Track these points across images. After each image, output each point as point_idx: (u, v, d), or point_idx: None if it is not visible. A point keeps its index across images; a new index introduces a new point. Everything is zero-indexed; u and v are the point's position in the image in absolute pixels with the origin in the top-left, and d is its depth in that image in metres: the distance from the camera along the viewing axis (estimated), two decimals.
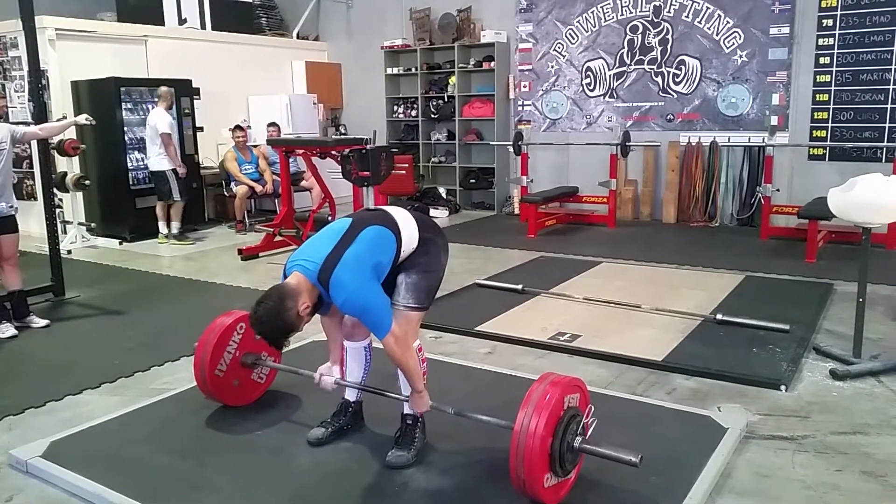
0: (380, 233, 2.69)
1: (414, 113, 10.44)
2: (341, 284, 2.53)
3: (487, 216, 9.63)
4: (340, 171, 6.57)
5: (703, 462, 2.78)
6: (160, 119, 7.65)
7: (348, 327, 3.02)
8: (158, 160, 7.72)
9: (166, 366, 4.11)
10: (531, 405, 2.40)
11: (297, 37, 11.17)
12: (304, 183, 8.72)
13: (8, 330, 4.70)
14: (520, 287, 5.43)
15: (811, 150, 7.75)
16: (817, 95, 7.66)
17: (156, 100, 8.01)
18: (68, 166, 7.43)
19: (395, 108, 10.65)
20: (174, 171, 7.74)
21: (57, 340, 4.69)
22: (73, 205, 7.73)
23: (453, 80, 9.91)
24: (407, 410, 2.91)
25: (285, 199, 7.42)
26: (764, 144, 7.54)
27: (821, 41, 7.57)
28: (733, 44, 8.07)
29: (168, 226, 7.90)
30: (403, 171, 9.25)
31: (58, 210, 6.82)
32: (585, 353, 4.15)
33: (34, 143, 6.15)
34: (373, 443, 3.03)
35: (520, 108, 9.70)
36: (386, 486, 2.72)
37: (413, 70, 10.25)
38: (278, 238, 7.14)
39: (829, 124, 7.63)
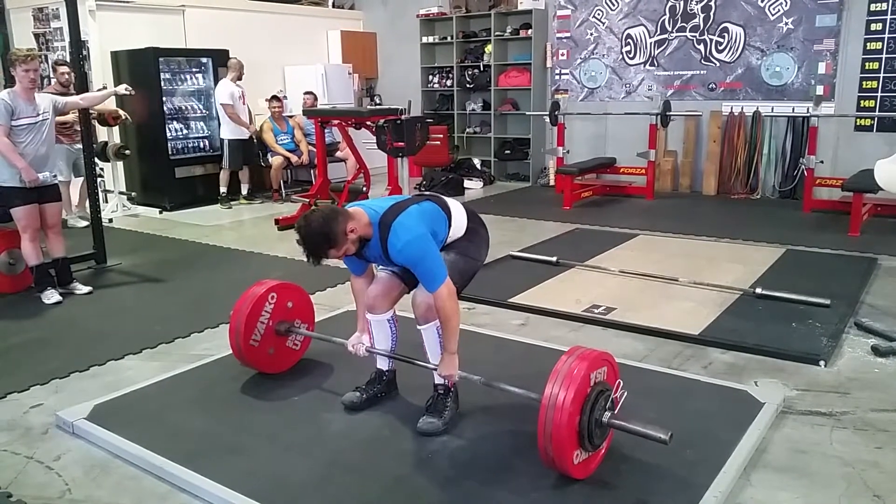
0: (436, 209, 2.85)
1: (449, 83, 10.36)
2: (405, 228, 2.66)
3: (522, 187, 9.56)
4: (375, 141, 6.57)
5: (739, 437, 2.76)
6: (219, 90, 8.10)
7: (370, 297, 3.01)
8: (222, 129, 8.24)
9: (206, 332, 4.20)
10: (557, 382, 2.36)
11: (333, 6, 11.12)
12: (338, 153, 8.75)
13: (53, 296, 4.83)
14: (554, 259, 5.40)
15: (858, 120, 7.51)
16: (867, 64, 7.40)
17: (194, 70, 8.12)
18: (109, 136, 7.55)
19: (431, 77, 10.58)
20: (231, 141, 8.17)
21: (99, 307, 4.81)
22: (113, 174, 7.87)
23: (489, 48, 9.79)
24: (438, 380, 2.93)
25: (321, 169, 7.45)
26: (808, 115, 7.33)
27: (873, 6, 7.28)
28: (778, 10, 7.81)
29: (241, 188, 8.54)
30: (438, 142, 9.21)
31: (99, 179, 6.95)
32: (620, 326, 4.12)
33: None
34: (406, 411, 3.06)
35: (557, 77, 9.56)
36: (418, 452, 2.75)
37: (449, 39, 10.15)
38: (314, 208, 7.19)
39: (879, 94, 7.38)
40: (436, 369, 2.87)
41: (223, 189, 8.29)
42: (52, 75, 7.52)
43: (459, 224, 2.92)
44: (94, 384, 3.50)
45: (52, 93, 5.47)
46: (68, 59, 7.15)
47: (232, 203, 8.32)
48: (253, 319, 3.30)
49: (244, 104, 8.30)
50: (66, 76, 6.62)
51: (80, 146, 6.66)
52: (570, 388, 2.35)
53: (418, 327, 2.90)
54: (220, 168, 8.33)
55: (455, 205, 2.96)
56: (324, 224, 2.61)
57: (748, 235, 6.25)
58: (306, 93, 8.87)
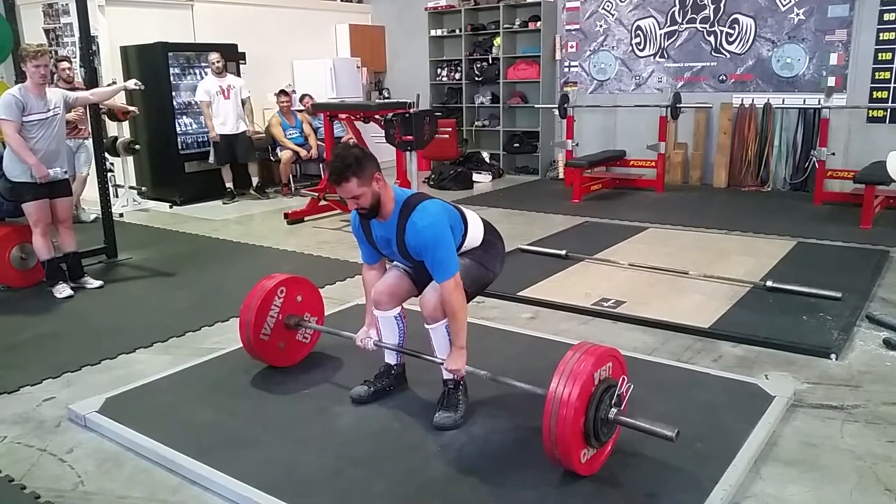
0: (455, 213, 2.89)
1: (458, 76, 10.34)
2: (429, 211, 2.72)
3: (531, 181, 9.53)
4: (384, 135, 6.56)
5: (749, 430, 2.75)
6: (198, 86, 7.93)
7: (377, 293, 3.01)
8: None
9: (216, 326, 4.21)
10: (561, 383, 2.34)
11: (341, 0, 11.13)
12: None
13: (64, 290, 4.86)
14: (563, 252, 5.39)
15: (870, 111, 7.44)
16: (880, 54, 7.33)
17: (203, 65, 8.12)
18: (118, 131, 7.58)
19: (439, 70, 10.56)
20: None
21: (110, 301, 4.84)
22: (123, 169, 7.90)
23: (498, 41, 9.76)
24: (447, 376, 2.93)
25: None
26: (820, 106, 7.27)
27: None
28: (789, 1, 7.75)
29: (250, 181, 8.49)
30: (447, 136, 9.20)
31: (109, 174, 6.98)
32: (630, 320, 4.11)
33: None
34: (416, 404, 3.07)
35: (566, 70, 9.52)
36: (428, 446, 2.76)
37: (457, 31, 10.13)
38: (323, 202, 7.20)
39: (892, 85, 7.31)
40: (442, 362, 2.87)
41: (228, 185, 8.24)
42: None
43: (475, 235, 2.96)
44: (106, 377, 3.52)
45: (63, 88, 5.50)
46: (78, 55, 7.19)
47: (235, 199, 8.24)
48: (263, 313, 3.32)
49: (227, 98, 7.91)
50: (68, 72, 6.63)
51: (79, 141, 6.70)
52: (574, 387, 2.32)
53: (426, 327, 2.90)
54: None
55: (472, 216, 3.00)
56: (361, 153, 2.72)
57: (759, 228, 6.22)
58: (303, 97, 8.84)
